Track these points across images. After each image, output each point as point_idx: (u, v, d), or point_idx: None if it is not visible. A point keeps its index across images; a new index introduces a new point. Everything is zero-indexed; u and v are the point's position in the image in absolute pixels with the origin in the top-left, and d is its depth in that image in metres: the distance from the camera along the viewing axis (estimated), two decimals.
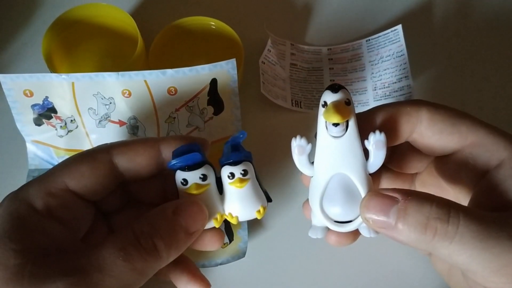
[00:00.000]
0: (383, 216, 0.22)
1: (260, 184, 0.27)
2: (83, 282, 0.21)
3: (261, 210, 0.27)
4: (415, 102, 0.26)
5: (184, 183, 0.25)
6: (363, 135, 0.25)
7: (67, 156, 0.36)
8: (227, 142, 0.26)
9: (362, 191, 0.25)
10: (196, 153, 0.25)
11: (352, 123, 0.25)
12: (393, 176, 0.31)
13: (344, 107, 0.24)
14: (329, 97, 0.25)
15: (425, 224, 0.21)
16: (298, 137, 0.26)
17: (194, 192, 0.25)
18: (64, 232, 0.24)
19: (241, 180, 0.26)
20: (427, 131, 0.25)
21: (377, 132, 0.25)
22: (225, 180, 0.26)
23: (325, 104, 0.25)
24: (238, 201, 0.26)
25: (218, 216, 0.26)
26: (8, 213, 0.23)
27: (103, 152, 0.26)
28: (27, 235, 0.23)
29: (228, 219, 0.27)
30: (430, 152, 0.27)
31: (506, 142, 0.24)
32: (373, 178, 0.26)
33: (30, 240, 0.23)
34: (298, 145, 0.26)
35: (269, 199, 0.27)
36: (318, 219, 0.27)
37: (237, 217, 0.26)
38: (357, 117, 0.25)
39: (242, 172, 0.26)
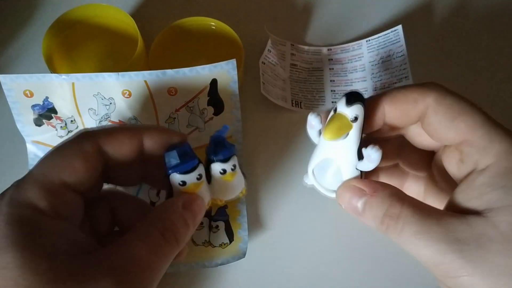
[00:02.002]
0: (353, 204, 0.26)
1: (240, 169, 0.30)
2: (127, 280, 0.22)
3: (244, 191, 0.31)
4: (424, 87, 0.26)
5: (182, 184, 0.27)
6: (369, 123, 0.27)
7: None
8: (212, 136, 0.29)
9: (344, 178, 0.28)
10: (194, 159, 0.27)
11: (352, 133, 0.26)
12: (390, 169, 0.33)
13: (344, 126, 0.26)
14: (341, 108, 0.26)
15: (381, 218, 0.25)
16: (313, 114, 0.28)
17: (192, 190, 0.27)
18: (72, 230, 0.24)
19: (231, 174, 0.29)
20: (428, 121, 0.26)
21: (376, 148, 0.26)
22: (217, 175, 0.28)
23: (335, 111, 0.26)
24: (227, 189, 0.29)
25: (209, 202, 0.29)
26: (16, 219, 0.22)
27: (90, 142, 0.26)
28: (43, 239, 0.22)
29: (216, 202, 0.30)
30: (430, 139, 0.28)
31: (499, 148, 0.24)
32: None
33: (48, 244, 0.22)
34: (309, 121, 0.29)
35: (245, 177, 0.31)
36: (309, 179, 0.31)
37: (223, 200, 0.30)
38: (366, 101, 0.27)
39: (232, 168, 0.28)
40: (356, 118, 0.26)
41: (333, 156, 0.28)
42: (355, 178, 0.27)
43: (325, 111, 0.28)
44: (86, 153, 0.25)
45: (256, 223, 0.36)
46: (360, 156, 0.27)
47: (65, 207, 0.24)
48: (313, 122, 0.28)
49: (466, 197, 0.25)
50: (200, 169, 0.27)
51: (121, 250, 0.23)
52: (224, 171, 0.28)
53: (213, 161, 0.28)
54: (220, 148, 0.28)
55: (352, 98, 0.26)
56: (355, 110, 0.26)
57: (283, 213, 0.36)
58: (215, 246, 0.34)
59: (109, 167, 0.27)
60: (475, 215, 0.23)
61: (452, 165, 0.27)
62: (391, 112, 0.27)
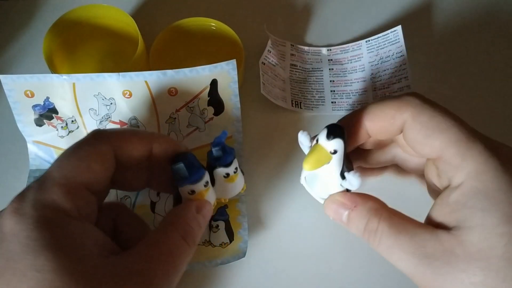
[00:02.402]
0: (339, 215, 0.29)
1: (240, 167, 0.32)
2: (156, 281, 0.23)
3: (244, 187, 0.33)
4: (401, 102, 0.27)
5: (191, 192, 0.29)
6: (353, 139, 0.29)
7: None
8: (213, 142, 0.30)
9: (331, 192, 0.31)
10: (201, 170, 0.29)
11: (333, 162, 0.28)
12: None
13: (323, 158, 0.28)
14: (321, 140, 0.28)
15: (362, 230, 0.27)
16: (303, 133, 0.30)
17: (201, 197, 0.30)
18: (96, 231, 0.24)
19: (234, 176, 0.31)
20: (405, 136, 0.27)
21: (356, 175, 0.28)
22: (221, 179, 0.31)
23: (317, 141, 0.28)
24: (230, 190, 0.32)
25: (214, 203, 0.31)
26: (44, 222, 0.22)
27: (106, 144, 0.26)
28: (73, 241, 0.22)
29: (220, 201, 0.33)
30: (408, 152, 0.30)
31: (471, 168, 0.24)
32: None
33: (79, 246, 0.22)
34: (299, 139, 0.30)
35: (243, 173, 0.33)
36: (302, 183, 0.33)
37: (227, 199, 0.33)
38: (347, 117, 0.29)
39: (235, 171, 0.31)
40: (335, 151, 0.27)
41: (320, 174, 0.29)
42: (341, 192, 0.29)
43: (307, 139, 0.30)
44: (103, 154, 0.26)
45: (256, 223, 0.36)
46: (344, 177, 0.29)
47: (87, 208, 0.25)
48: (302, 140, 0.30)
49: (439, 213, 0.25)
50: (206, 177, 0.30)
51: (147, 253, 0.24)
52: (228, 175, 0.31)
53: (216, 167, 0.30)
54: (222, 152, 0.30)
55: (332, 133, 0.27)
56: (334, 145, 0.27)
57: (283, 213, 0.36)
58: (215, 246, 0.34)
59: (118, 170, 0.27)
60: (446, 231, 0.24)
61: (433, 177, 0.28)
62: (371, 128, 0.29)
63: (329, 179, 0.29)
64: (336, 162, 0.28)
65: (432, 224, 0.26)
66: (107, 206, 0.29)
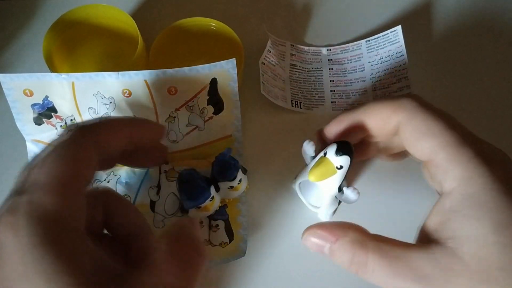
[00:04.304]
0: (320, 248, 0.26)
1: (241, 167, 0.34)
2: None
3: (247, 186, 0.35)
4: (398, 104, 0.27)
5: (198, 208, 0.32)
6: (353, 136, 0.30)
7: None
8: (216, 158, 0.33)
9: (324, 203, 0.32)
10: (206, 192, 0.32)
11: (336, 175, 0.29)
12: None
13: (329, 171, 0.29)
14: (330, 154, 0.29)
15: (349, 263, 0.25)
16: (310, 143, 0.32)
17: (207, 210, 0.33)
18: (95, 248, 0.22)
19: (238, 186, 0.34)
20: (400, 136, 0.28)
21: (355, 192, 0.29)
22: (226, 189, 0.34)
23: (325, 154, 0.29)
24: (234, 194, 0.35)
25: (218, 205, 0.34)
26: (43, 241, 0.20)
27: (89, 141, 0.24)
28: (76, 262, 0.20)
29: (224, 201, 0.35)
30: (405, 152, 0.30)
31: (461, 173, 0.24)
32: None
33: (82, 267, 0.20)
34: (304, 147, 0.32)
35: (246, 171, 0.35)
36: (295, 190, 0.35)
37: (231, 199, 0.35)
38: (346, 113, 0.30)
39: (239, 182, 0.33)
40: (341, 167, 0.29)
41: (318, 183, 0.30)
42: (317, 224, 0.27)
43: (318, 132, 0.32)
44: (88, 152, 0.24)
45: (256, 223, 0.35)
46: (341, 190, 0.30)
47: (79, 212, 0.23)
48: (306, 149, 0.32)
49: (433, 224, 0.25)
50: (211, 192, 0.32)
51: (156, 274, 0.22)
52: (232, 187, 0.33)
53: (220, 181, 0.33)
54: (225, 169, 0.32)
55: (342, 149, 0.29)
56: (342, 161, 0.29)
57: (283, 212, 0.36)
58: (215, 245, 0.34)
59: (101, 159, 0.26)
60: (441, 246, 0.24)
61: (428, 179, 0.28)
62: (369, 126, 0.29)
63: (326, 190, 0.31)
64: (339, 177, 0.29)
65: (426, 233, 0.25)
66: (93, 194, 0.27)
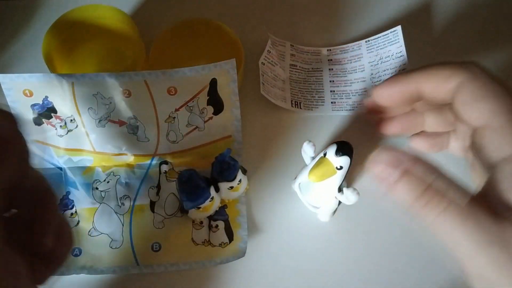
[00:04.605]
0: (388, 171, 0.23)
1: (241, 168, 0.34)
2: None
3: (247, 186, 0.36)
4: (459, 66, 0.27)
5: (198, 208, 0.32)
6: (402, 98, 0.30)
7: (67, 156, 0.36)
8: (216, 158, 0.33)
9: (323, 203, 0.33)
10: (205, 191, 0.32)
11: (336, 176, 0.29)
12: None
13: (329, 172, 0.29)
14: (330, 154, 0.29)
15: (422, 191, 0.22)
16: (309, 144, 0.32)
17: (207, 210, 0.34)
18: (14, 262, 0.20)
19: (238, 187, 0.34)
20: (456, 99, 0.27)
21: (355, 192, 0.30)
22: (226, 190, 0.34)
23: (324, 154, 0.30)
24: (234, 194, 0.35)
25: (218, 205, 0.35)
26: None
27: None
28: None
29: (224, 201, 0.35)
30: (460, 118, 0.27)
31: None
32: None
33: None
34: (304, 148, 0.32)
35: (245, 172, 0.35)
36: (295, 190, 0.35)
37: (231, 199, 0.35)
38: (401, 74, 0.29)
39: (239, 182, 0.33)
40: (341, 167, 0.29)
41: (318, 184, 0.31)
42: (389, 147, 0.25)
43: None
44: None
45: (255, 223, 0.35)
46: (341, 190, 0.30)
47: None
48: (306, 150, 0.32)
49: (492, 192, 0.23)
50: (211, 192, 0.32)
51: None
52: (232, 187, 0.33)
53: (220, 182, 0.33)
54: (225, 169, 0.32)
55: (342, 150, 0.29)
56: (341, 161, 0.29)
57: (283, 213, 0.36)
58: (215, 246, 0.34)
59: None
60: (503, 218, 0.22)
61: (479, 146, 0.26)
62: (425, 87, 0.28)
63: (326, 190, 0.31)
64: (338, 177, 0.29)
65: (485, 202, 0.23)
66: None
